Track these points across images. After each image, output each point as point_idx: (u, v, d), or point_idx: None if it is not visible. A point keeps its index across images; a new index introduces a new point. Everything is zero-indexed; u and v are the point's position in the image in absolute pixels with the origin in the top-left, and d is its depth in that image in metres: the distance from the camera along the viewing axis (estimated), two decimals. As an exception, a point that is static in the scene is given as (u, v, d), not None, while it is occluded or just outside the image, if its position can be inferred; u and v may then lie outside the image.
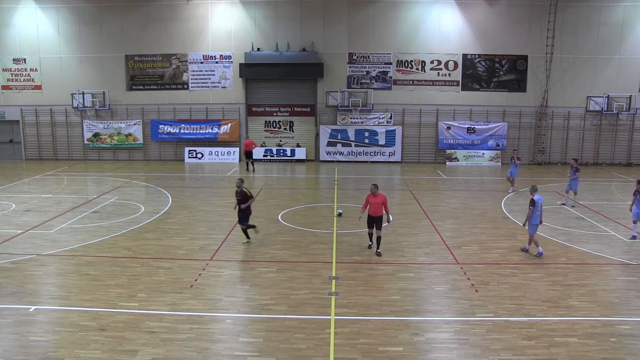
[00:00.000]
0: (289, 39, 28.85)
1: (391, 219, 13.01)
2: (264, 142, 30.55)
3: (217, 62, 29.51)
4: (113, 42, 29.52)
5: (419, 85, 29.39)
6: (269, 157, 30.07)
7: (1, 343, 8.41)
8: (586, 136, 29.63)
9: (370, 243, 13.26)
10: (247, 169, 27.01)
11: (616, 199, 20.14)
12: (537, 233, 13.10)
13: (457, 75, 29.27)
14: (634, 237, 14.28)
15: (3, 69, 30.16)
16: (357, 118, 29.71)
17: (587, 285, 11.05)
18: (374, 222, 12.87)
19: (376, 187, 12.77)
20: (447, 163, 29.51)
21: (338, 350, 8.27)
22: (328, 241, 14.16)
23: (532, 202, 12.69)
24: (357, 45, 29.13)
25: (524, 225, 13.21)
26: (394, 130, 29.67)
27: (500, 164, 29.29)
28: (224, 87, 29.83)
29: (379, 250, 12.86)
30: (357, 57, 29.27)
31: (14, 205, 18.23)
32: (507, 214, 17.40)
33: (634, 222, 14.24)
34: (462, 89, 29.42)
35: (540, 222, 12.90)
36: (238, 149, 30.06)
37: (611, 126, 29.43)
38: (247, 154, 26.91)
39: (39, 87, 30.22)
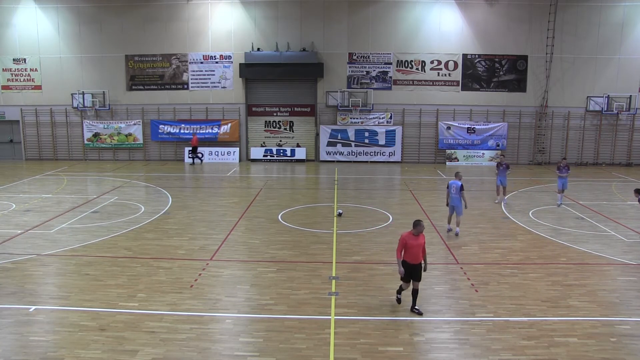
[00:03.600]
0: (289, 39, 28.85)
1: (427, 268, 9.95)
2: (264, 142, 30.56)
3: (217, 62, 29.51)
4: (113, 42, 29.51)
5: (419, 85, 29.39)
6: (269, 157, 30.06)
7: (1, 343, 8.41)
8: (586, 136, 29.62)
9: (399, 296, 9.90)
10: (193, 163, 28.80)
11: (616, 199, 20.13)
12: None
13: (457, 75, 29.27)
14: None
15: (3, 69, 30.15)
16: (357, 118, 29.71)
17: (587, 285, 11.05)
18: (413, 271, 9.49)
19: (422, 225, 9.56)
20: (447, 163, 29.51)
21: (338, 350, 8.27)
22: (328, 241, 14.16)
23: (448, 185, 14.94)
24: (357, 45, 29.13)
25: (447, 205, 15.17)
26: (394, 130, 29.67)
27: (500, 164, 29.27)
28: (224, 87, 29.83)
29: (417, 308, 9.61)
30: (357, 57, 29.27)
31: (14, 205, 18.23)
32: (507, 214, 17.39)
33: None
34: (462, 89, 29.42)
35: (457, 205, 14.73)
36: (238, 149, 30.07)
37: (611, 126, 29.43)
38: (193, 149, 28.74)
39: (39, 87, 30.22)
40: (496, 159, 19.09)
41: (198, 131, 29.85)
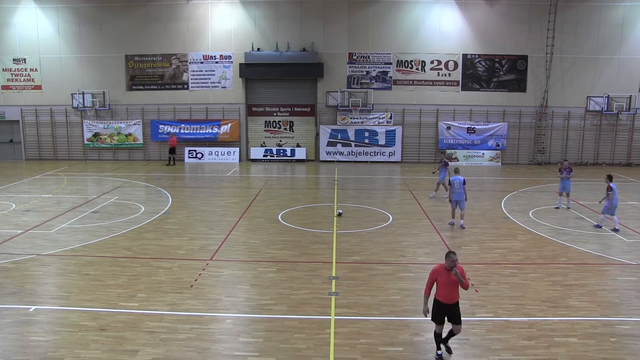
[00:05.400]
0: (289, 39, 28.85)
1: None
2: (264, 142, 30.55)
3: (217, 62, 29.51)
4: (113, 42, 29.51)
5: (419, 85, 29.39)
6: (269, 157, 30.06)
7: (1, 343, 8.41)
8: (586, 136, 29.62)
9: (439, 353, 8.05)
10: (168, 164, 28.64)
11: (616, 199, 20.10)
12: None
13: (457, 75, 29.26)
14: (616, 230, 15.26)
15: (3, 69, 30.15)
16: (357, 118, 29.71)
17: (587, 285, 11.04)
18: (448, 312, 7.97)
19: (452, 258, 7.89)
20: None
21: (338, 350, 8.27)
22: (328, 241, 14.16)
23: (449, 182, 16.11)
24: (357, 45, 29.12)
25: (449, 200, 16.12)
26: (394, 130, 29.67)
27: (500, 164, 29.30)
28: (224, 87, 29.83)
29: (448, 345, 8.28)
30: (357, 57, 29.27)
31: (14, 205, 18.23)
32: (507, 214, 17.39)
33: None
34: (462, 89, 29.41)
35: (454, 199, 15.64)
36: (238, 149, 30.07)
37: (611, 126, 29.42)
38: (171, 150, 28.67)
39: (39, 87, 30.21)
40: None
41: (198, 131, 29.88)
